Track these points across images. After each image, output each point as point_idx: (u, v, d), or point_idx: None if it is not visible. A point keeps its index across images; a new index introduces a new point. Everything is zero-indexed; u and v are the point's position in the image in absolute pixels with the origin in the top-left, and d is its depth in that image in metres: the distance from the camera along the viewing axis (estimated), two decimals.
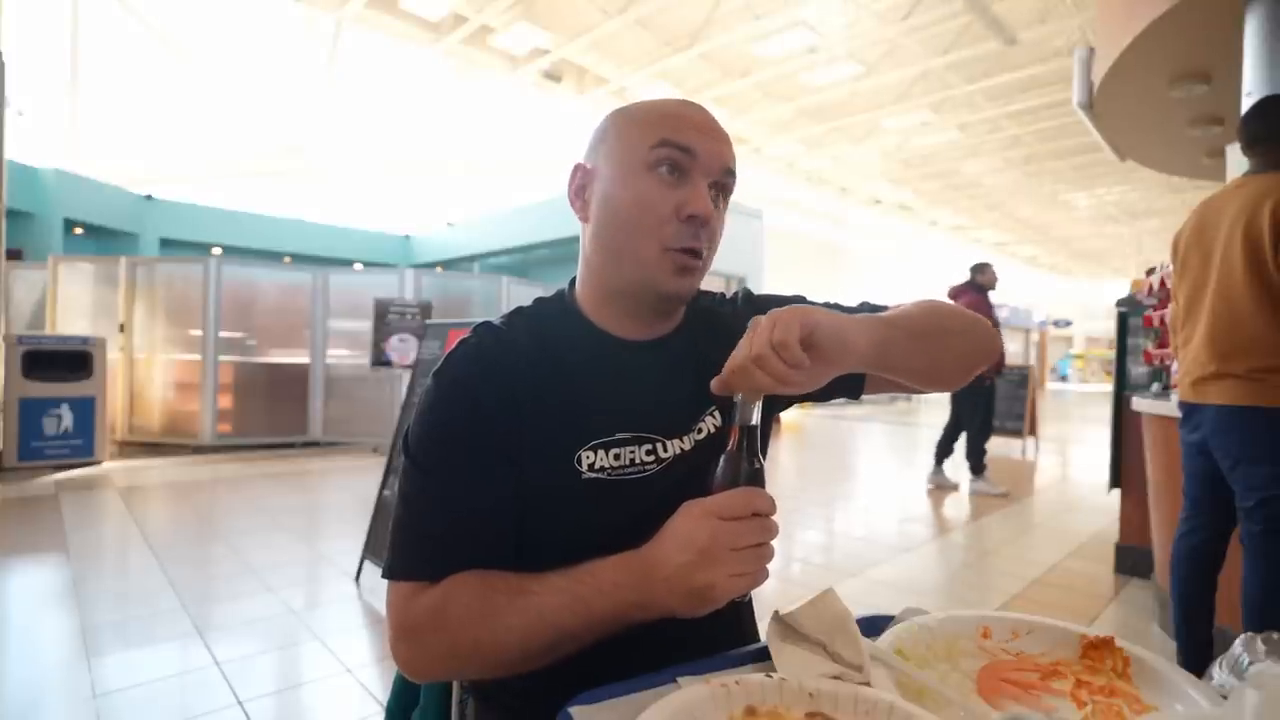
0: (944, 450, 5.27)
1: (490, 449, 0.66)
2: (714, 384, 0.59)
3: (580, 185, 0.74)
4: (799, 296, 0.86)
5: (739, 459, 0.58)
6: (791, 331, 0.56)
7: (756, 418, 0.58)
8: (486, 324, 0.74)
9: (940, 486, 5.25)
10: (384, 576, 0.66)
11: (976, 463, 5.12)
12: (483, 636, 0.60)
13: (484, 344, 0.71)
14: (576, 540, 0.64)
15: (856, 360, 0.62)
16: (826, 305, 0.83)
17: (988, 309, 4.97)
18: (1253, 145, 1.82)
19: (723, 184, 0.71)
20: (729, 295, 0.89)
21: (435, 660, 0.63)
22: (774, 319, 0.57)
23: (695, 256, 0.69)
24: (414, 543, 0.65)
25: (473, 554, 0.64)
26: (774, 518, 0.58)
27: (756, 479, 0.58)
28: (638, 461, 0.70)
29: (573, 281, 0.79)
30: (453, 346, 0.73)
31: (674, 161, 0.68)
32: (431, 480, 0.66)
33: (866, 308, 0.79)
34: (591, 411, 0.70)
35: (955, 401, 5.11)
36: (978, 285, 4.98)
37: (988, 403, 5.07)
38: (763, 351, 0.55)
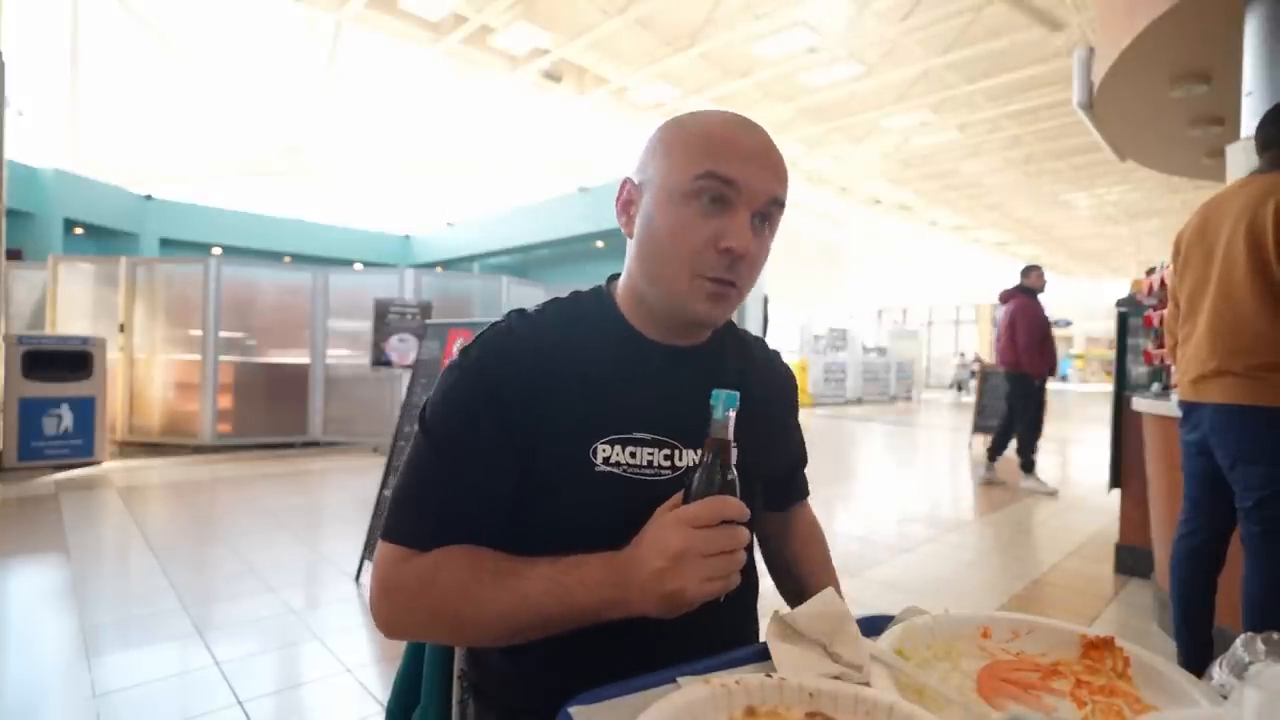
0: (998, 448, 5.35)
1: (502, 436, 0.67)
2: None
3: (627, 200, 0.74)
4: (804, 453, 0.97)
5: (713, 470, 0.60)
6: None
7: (730, 433, 0.60)
8: (519, 310, 0.76)
9: (990, 483, 5.31)
10: (381, 536, 0.68)
11: (1026, 460, 5.25)
12: (465, 609, 0.62)
13: (513, 330, 0.72)
14: (585, 531, 0.65)
15: None
16: (798, 439, 0.96)
17: (1036, 310, 5.03)
18: (1265, 149, 1.81)
19: (767, 213, 0.70)
20: (777, 354, 0.93)
21: (414, 623, 0.67)
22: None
23: (728, 285, 0.69)
24: (414, 511, 0.67)
25: (467, 532, 0.66)
26: (743, 526, 0.60)
27: (729, 489, 0.60)
28: (655, 464, 0.70)
29: (612, 278, 0.80)
30: (484, 329, 0.74)
31: (715, 193, 0.66)
32: (440, 457, 0.68)
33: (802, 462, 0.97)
34: (613, 406, 0.70)
35: (1009, 400, 5.20)
36: (1025, 289, 5.09)
37: (1038, 402, 5.13)
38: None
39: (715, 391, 0.60)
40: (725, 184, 0.66)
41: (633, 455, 0.70)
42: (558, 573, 0.61)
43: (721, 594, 0.60)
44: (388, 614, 0.66)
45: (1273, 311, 1.65)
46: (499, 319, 0.75)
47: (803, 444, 0.96)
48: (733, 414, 0.60)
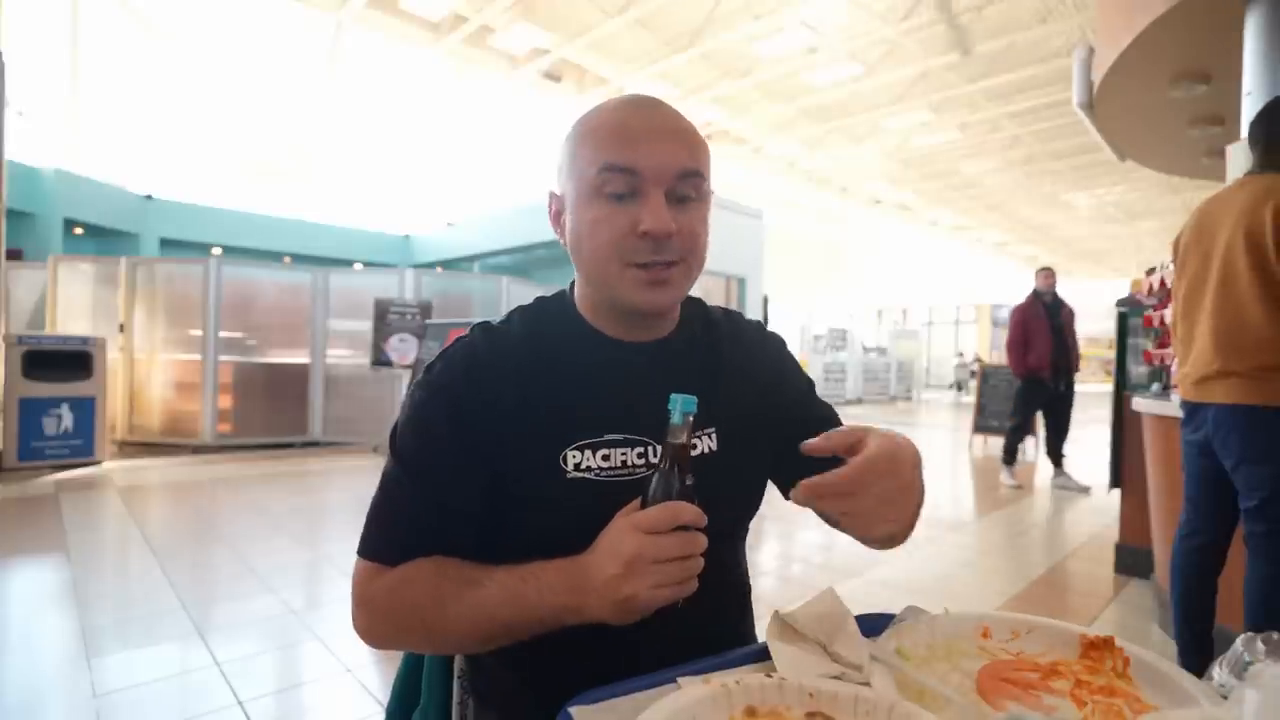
0: (1055, 452, 5.38)
1: (468, 454, 0.68)
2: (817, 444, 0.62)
3: (557, 212, 0.74)
4: (811, 381, 0.88)
5: (669, 475, 0.60)
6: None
7: (687, 438, 0.60)
8: (483, 323, 0.75)
9: (1066, 488, 5.25)
10: (357, 552, 0.70)
11: (1006, 453, 5.42)
12: (432, 621, 0.64)
13: (475, 345, 0.72)
14: (561, 539, 0.64)
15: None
16: (821, 407, 0.85)
17: (1024, 310, 5.09)
18: (1253, 146, 1.83)
19: (680, 190, 0.68)
20: (757, 322, 0.89)
21: (387, 634, 0.69)
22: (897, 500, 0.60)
23: (665, 268, 0.68)
24: (382, 529, 0.69)
25: (435, 547, 0.68)
26: (699, 532, 0.59)
27: (686, 495, 0.60)
28: (628, 463, 0.70)
29: (574, 282, 0.79)
30: (449, 345, 0.74)
31: (619, 184, 0.66)
32: (408, 476, 0.69)
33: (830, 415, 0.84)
34: (580, 411, 0.70)
35: (1050, 407, 5.25)
36: (1034, 290, 5.16)
37: (1024, 400, 5.24)
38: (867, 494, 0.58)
39: (672, 396, 0.59)
40: (625, 172, 0.65)
41: (605, 458, 0.69)
42: (516, 581, 0.62)
43: (677, 600, 0.59)
44: (364, 626, 0.69)
45: (1274, 312, 1.65)
46: (463, 334, 0.74)
47: (824, 406, 0.86)
48: (691, 418, 0.60)
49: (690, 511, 0.59)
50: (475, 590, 0.63)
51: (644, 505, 0.61)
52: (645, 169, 0.66)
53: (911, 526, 0.68)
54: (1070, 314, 5.19)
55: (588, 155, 0.67)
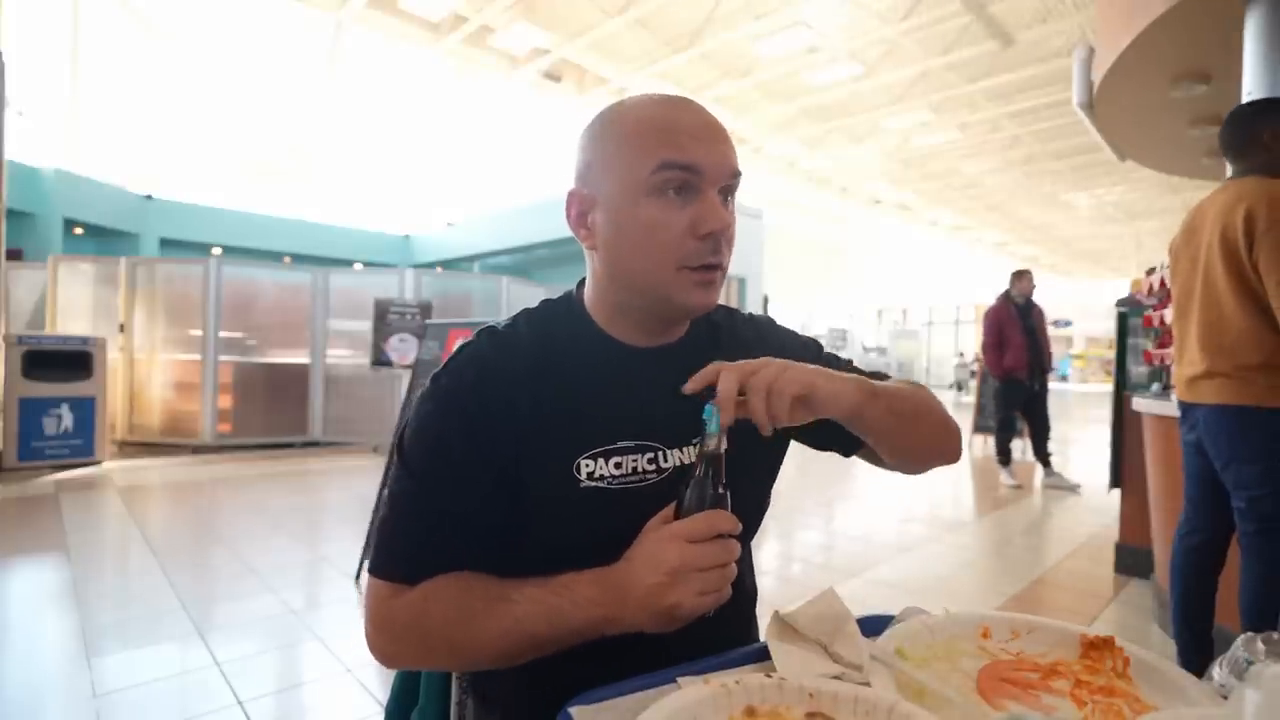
0: (1041, 453, 5.43)
1: (479, 460, 0.66)
2: (690, 382, 0.62)
3: (580, 213, 0.71)
4: (816, 341, 0.88)
5: (704, 484, 0.60)
6: (790, 388, 0.59)
7: (721, 447, 0.60)
8: (489, 329, 0.74)
9: (1057, 487, 5.29)
10: (369, 571, 0.68)
11: (999, 454, 5.49)
12: (459, 639, 0.62)
13: (482, 351, 0.70)
14: (575, 549, 0.64)
15: (838, 415, 0.64)
16: (839, 364, 0.84)
17: (997, 312, 5.18)
18: (1224, 152, 1.86)
19: (730, 187, 0.69)
20: (747, 313, 0.88)
21: (410, 655, 0.67)
22: (782, 369, 0.60)
23: (714, 269, 0.68)
24: (397, 545, 0.67)
25: (453, 562, 0.66)
26: (735, 538, 0.60)
27: (720, 503, 0.60)
28: (640, 470, 0.70)
29: (581, 283, 0.78)
30: (453, 350, 0.73)
31: (680, 182, 0.65)
32: (418, 486, 0.67)
33: (878, 376, 0.79)
34: (592, 419, 0.69)
35: (1027, 407, 5.34)
36: (1006, 292, 5.22)
37: (1005, 401, 5.38)
38: (758, 387, 0.59)
39: (708, 405, 0.59)
40: (687, 170, 0.65)
41: (617, 466, 0.69)
42: (548, 594, 0.61)
43: (715, 607, 0.60)
44: (383, 648, 0.66)
45: (1252, 314, 1.68)
46: (469, 339, 0.73)
47: (845, 364, 0.85)
48: (727, 426, 0.60)
49: (729, 520, 0.60)
50: (506, 605, 0.61)
51: (679, 513, 0.60)
52: (707, 167, 0.65)
53: (883, 407, 0.67)
54: (1040, 314, 5.32)
55: (638, 152, 0.65)
